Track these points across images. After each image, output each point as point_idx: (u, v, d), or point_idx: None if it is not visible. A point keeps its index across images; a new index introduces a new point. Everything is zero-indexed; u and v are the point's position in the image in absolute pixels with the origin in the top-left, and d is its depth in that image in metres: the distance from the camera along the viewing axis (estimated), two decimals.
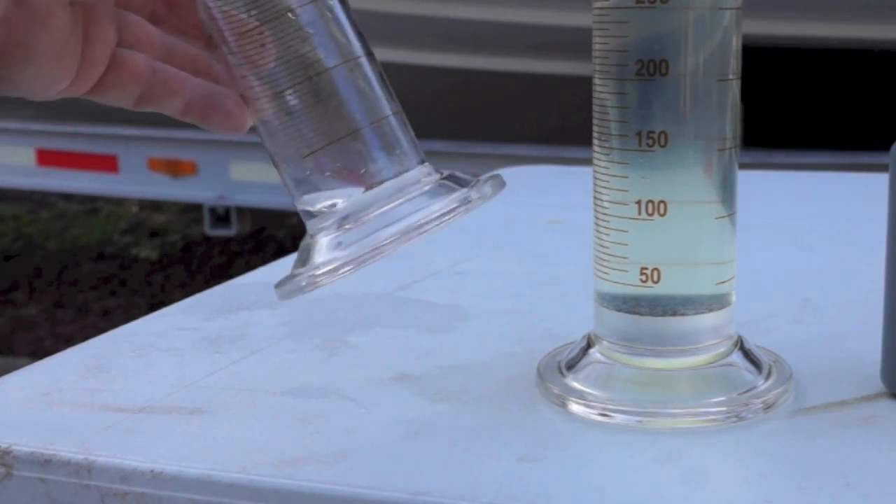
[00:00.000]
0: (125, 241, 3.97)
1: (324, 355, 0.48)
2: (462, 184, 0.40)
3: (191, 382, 0.45)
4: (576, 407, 0.40)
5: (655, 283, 0.40)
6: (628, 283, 0.40)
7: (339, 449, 0.38)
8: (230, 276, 0.66)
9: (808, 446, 0.37)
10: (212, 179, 2.85)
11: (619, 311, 0.41)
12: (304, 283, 0.37)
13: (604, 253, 0.41)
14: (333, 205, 0.40)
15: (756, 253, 0.64)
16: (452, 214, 0.38)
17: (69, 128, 3.04)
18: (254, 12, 0.39)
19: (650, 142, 0.39)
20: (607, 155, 0.40)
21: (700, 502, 0.33)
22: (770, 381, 0.41)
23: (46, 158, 3.06)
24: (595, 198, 0.41)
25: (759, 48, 2.32)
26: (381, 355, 0.48)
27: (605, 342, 0.42)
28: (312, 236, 0.40)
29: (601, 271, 0.41)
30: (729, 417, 0.39)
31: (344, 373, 0.46)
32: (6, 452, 0.39)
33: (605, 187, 0.40)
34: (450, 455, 0.37)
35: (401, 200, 0.39)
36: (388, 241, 0.37)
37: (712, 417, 0.39)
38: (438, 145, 2.51)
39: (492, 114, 2.56)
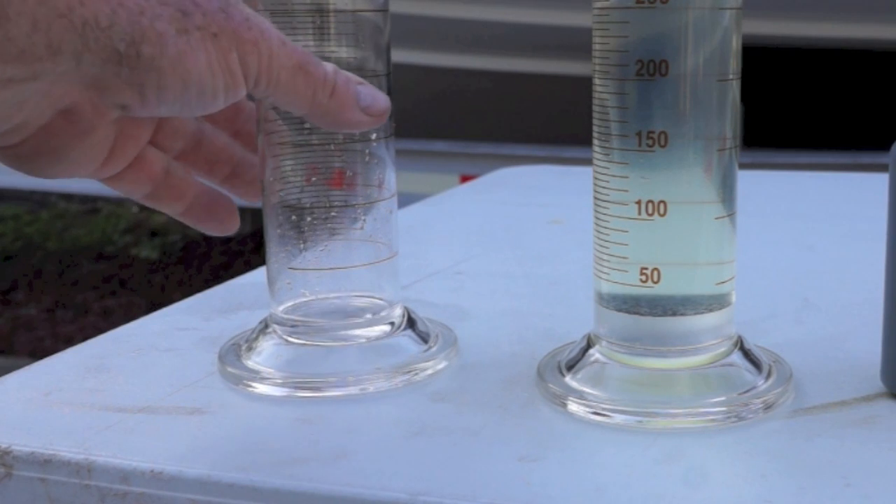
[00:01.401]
0: (125, 241, 3.97)
1: (324, 355, 0.48)
2: (424, 339, 0.47)
3: (191, 382, 0.45)
4: (575, 407, 0.40)
5: (655, 283, 0.40)
6: (628, 283, 0.40)
7: (339, 449, 0.38)
8: (230, 276, 0.66)
9: (808, 446, 0.37)
10: None
11: (619, 310, 0.41)
12: (237, 382, 0.44)
13: (604, 253, 0.41)
14: (296, 309, 0.46)
15: (756, 253, 0.64)
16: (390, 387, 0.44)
17: None
18: None
19: (650, 142, 0.39)
20: (607, 155, 0.40)
21: (700, 502, 0.33)
22: (770, 381, 0.41)
23: None
24: (595, 198, 0.41)
25: (759, 48, 2.32)
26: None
27: (604, 342, 0.42)
28: (267, 325, 0.46)
29: (601, 271, 0.41)
30: (729, 417, 0.39)
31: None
32: (6, 452, 0.39)
33: (605, 187, 0.40)
34: (450, 455, 0.37)
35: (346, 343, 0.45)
36: (311, 389, 0.43)
37: (712, 417, 0.39)
38: (439, 145, 2.51)
39: (492, 114, 2.56)
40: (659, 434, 0.38)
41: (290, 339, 0.45)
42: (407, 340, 0.46)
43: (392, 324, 0.46)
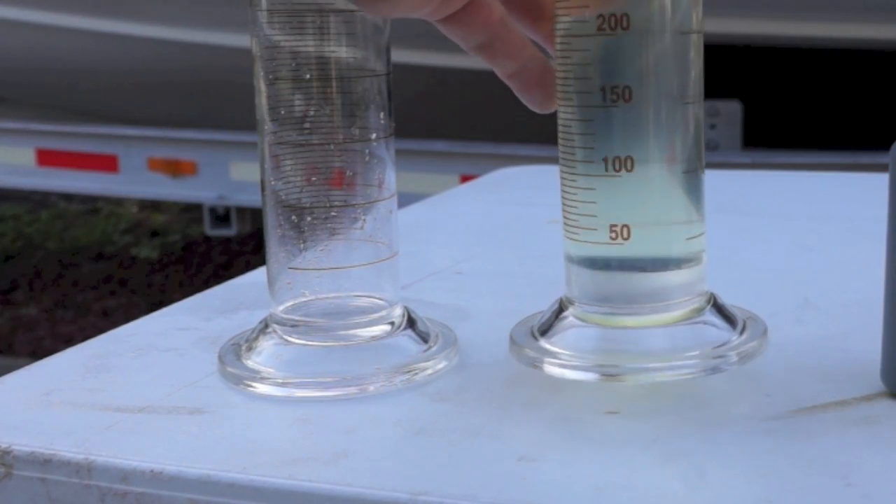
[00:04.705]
0: (125, 241, 3.98)
1: (324, 355, 0.48)
2: (424, 339, 0.46)
3: (191, 382, 0.45)
4: (551, 368, 0.40)
5: (626, 240, 0.40)
6: (598, 242, 0.40)
7: (339, 449, 0.38)
8: (230, 276, 0.66)
9: (808, 446, 0.37)
10: (212, 179, 2.85)
11: (591, 270, 0.41)
12: (236, 382, 0.44)
13: (572, 213, 0.41)
14: (296, 309, 0.46)
15: (756, 253, 0.64)
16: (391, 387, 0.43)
17: (69, 128, 3.05)
18: None
19: (614, 97, 0.39)
20: (571, 113, 0.40)
21: (700, 502, 0.33)
22: (745, 336, 0.41)
23: (46, 158, 3.06)
24: (561, 158, 0.41)
25: (759, 48, 2.32)
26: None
27: (577, 304, 0.42)
28: (267, 325, 0.46)
29: (571, 232, 0.41)
30: (704, 370, 0.39)
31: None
32: (6, 452, 0.39)
33: (569, 145, 0.40)
34: (450, 455, 0.37)
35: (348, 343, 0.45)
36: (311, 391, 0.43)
37: (688, 371, 0.39)
38: (438, 145, 2.51)
39: (492, 114, 2.56)
40: (659, 434, 0.38)
41: (290, 339, 0.45)
42: (407, 340, 0.46)
43: (392, 324, 0.46)
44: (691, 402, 0.41)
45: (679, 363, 0.39)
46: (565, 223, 0.41)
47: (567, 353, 0.40)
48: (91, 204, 4.38)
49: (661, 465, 0.36)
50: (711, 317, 0.41)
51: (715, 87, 2.36)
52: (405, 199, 0.61)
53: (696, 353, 0.39)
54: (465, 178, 2.28)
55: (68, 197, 4.34)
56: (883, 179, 0.41)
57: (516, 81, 0.43)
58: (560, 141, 0.41)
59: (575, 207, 0.40)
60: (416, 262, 0.64)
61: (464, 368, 0.46)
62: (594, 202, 0.40)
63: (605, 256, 0.40)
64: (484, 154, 2.43)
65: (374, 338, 0.45)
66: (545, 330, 0.42)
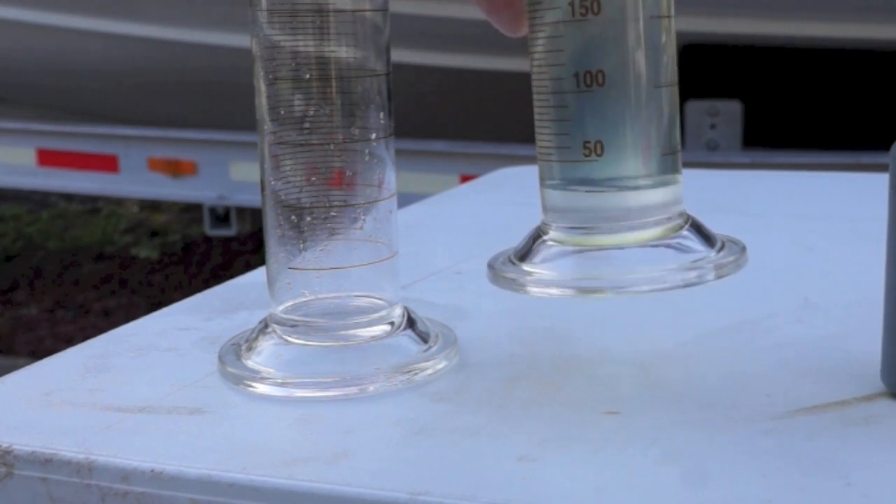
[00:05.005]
0: (125, 241, 3.98)
1: (324, 355, 0.48)
2: (424, 338, 0.46)
3: (191, 382, 0.45)
4: (533, 289, 0.40)
5: (599, 156, 0.39)
6: (572, 160, 0.40)
7: (339, 449, 0.38)
8: (230, 276, 0.66)
9: (808, 446, 0.37)
10: (212, 179, 2.85)
11: (565, 190, 0.41)
12: (236, 382, 0.44)
13: (545, 133, 0.40)
14: (296, 309, 0.45)
15: (756, 253, 0.64)
16: (391, 386, 0.43)
17: (69, 128, 3.05)
18: None
19: (583, 10, 0.38)
20: (540, 30, 0.40)
21: (700, 502, 0.33)
22: (722, 253, 0.41)
23: (46, 158, 3.06)
24: (532, 77, 0.41)
25: (759, 48, 2.32)
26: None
27: (553, 227, 0.42)
28: (267, 325, 0.46)
29: (544, 154, 0.41)
30: (683, 283, 0.39)
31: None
32: (7, 452, 0.39)
33: (540, 62, 0.40)
34: (450, 455, 0.37)
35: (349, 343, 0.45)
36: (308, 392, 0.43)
37: (666, 285, 0.39)
38: (438, 145, 2.51)
39: (492, 114, 2.56)
40: (659, 434, 0.38)
41: (289, 339, 0.45)
42: (407, 340, 0.46)
43: (392, 324, 0.46)
44: (691, 402, 0.41)
45: (657, 275, 0.39)
46: (539, 146, 0.41)
47: (546, 272, 0.40)
48: (91, 204, 4.38)
49: (661, 465, 0.36)
50: (689, 235, 0.41)
51: (715, 87, 2.36)
52: (405, 199, 0.61)
53: (674, 267, 0.39)
54: (465, 178, 2.28)
55: (68, 197, 4.34)
56: (883, 179, 0.41)
57: (484, 2, 0.43)
58: (531, 60, 0.41)
59: (547, 127, 0.40)
60: (416, 262, 0.64)
61: (464, 368, 0.46)
62: (567, 120, 0.39)
63: (580, 175, 0.40)
64: (484, 154, 2.43)
65: (374, 338, 0.45)
66: (523, 255, 0.42)
